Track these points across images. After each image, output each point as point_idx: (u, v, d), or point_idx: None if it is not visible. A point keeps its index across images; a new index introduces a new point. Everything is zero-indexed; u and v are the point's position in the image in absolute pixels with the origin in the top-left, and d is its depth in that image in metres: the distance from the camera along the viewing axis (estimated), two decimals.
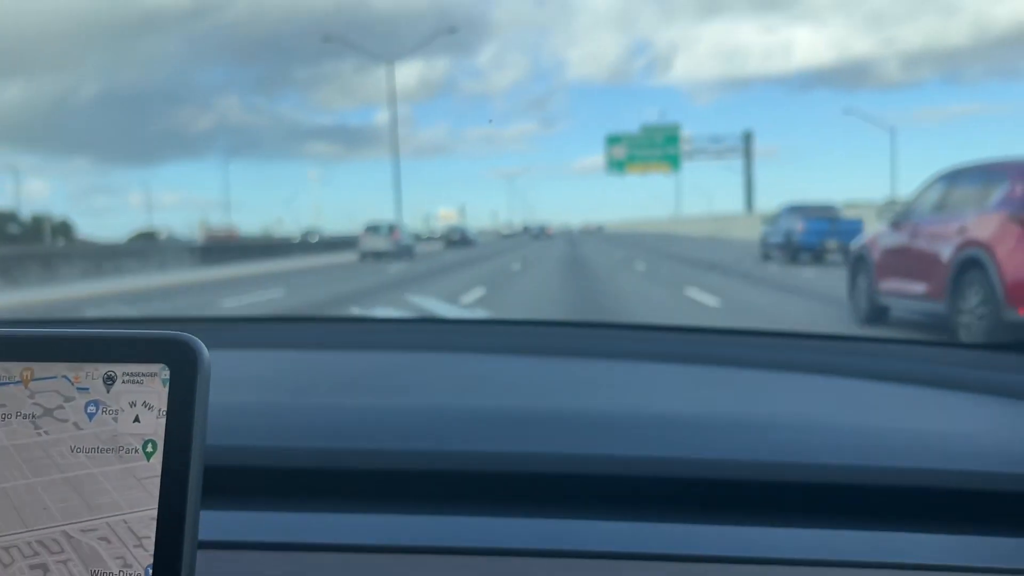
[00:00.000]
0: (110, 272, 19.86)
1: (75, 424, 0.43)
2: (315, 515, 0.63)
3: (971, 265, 5.75)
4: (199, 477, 0.41)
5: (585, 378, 0.96)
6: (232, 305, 10.91)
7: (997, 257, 5.49)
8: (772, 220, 19.71)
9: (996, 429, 0.79)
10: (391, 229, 25.42)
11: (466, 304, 9.89)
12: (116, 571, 0.41)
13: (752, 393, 0.89)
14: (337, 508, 0.64)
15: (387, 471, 0.68)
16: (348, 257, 27.01)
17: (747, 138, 53.27)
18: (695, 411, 0.81)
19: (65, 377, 0.43)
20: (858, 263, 7.78)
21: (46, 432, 0.43)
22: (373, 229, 25.61)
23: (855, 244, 8.30)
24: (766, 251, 19.21)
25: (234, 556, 0.57)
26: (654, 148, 49.70)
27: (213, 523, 0.54)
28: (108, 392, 0.43)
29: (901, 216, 7.19)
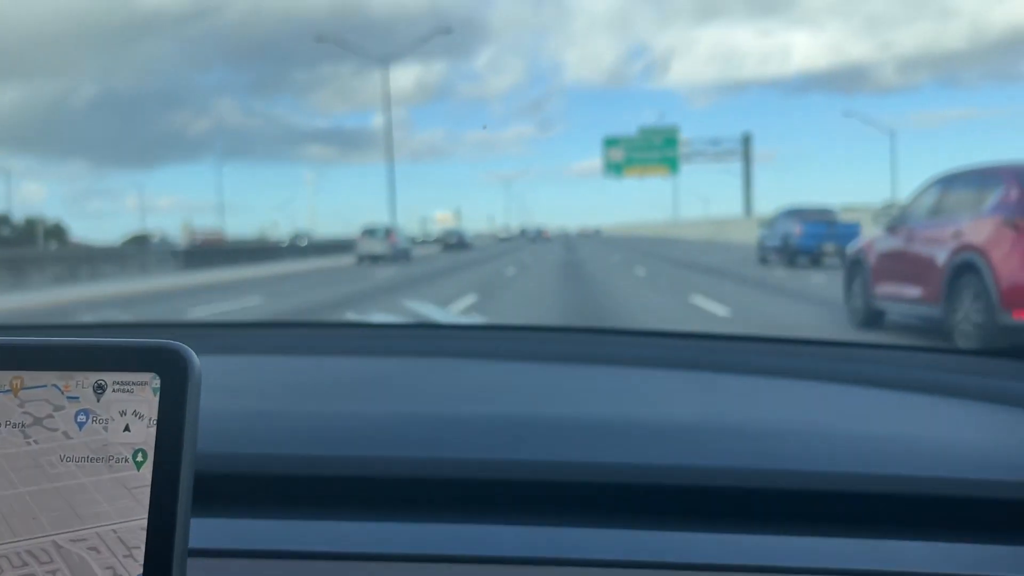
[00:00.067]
0: (84, 278, 19.12)
1: (65, 433, 0.42)
2: (306, 522, 0.62)
3: (966, 269, 5.77)
4: (189, 487, 0.41)
5: (581, 384, 0.96)
6: (203, 315, 10.40)
7: (992, 261, 5.50)
8: (769, 224, 19.73)
9: (993, 436, 0.79)
10: (388, 232, 25.40)
11: (457, 312, 9.58)
12: None
13: (748, 399, 0.89)
14: (329, 516, 0.64)
15: (379, 478, 0.68)
16: (338, 261, 26.58)
17: (746, 141, 53.06)
18: (691, 418, 0.81)
19: (55, 386, 0.43)
20: (854, 267, 7.79)
21: (36, 441, 0.42)
22: (370, 232, 25.58)
23: (851, 248, 8.32)
24: (763, 254, 19.23)
25: (224, 564, 0.56)
26: (652, 151, 49.43)
27: (203, 530, 0.54)
28: (98, 401, 0.43)
29: (897, 220, 7.21)
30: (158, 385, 0.42)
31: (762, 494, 0.66)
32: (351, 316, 9.34)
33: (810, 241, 17.03)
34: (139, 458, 0.42)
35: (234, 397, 0.83)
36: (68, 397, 0.43)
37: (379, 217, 35.38)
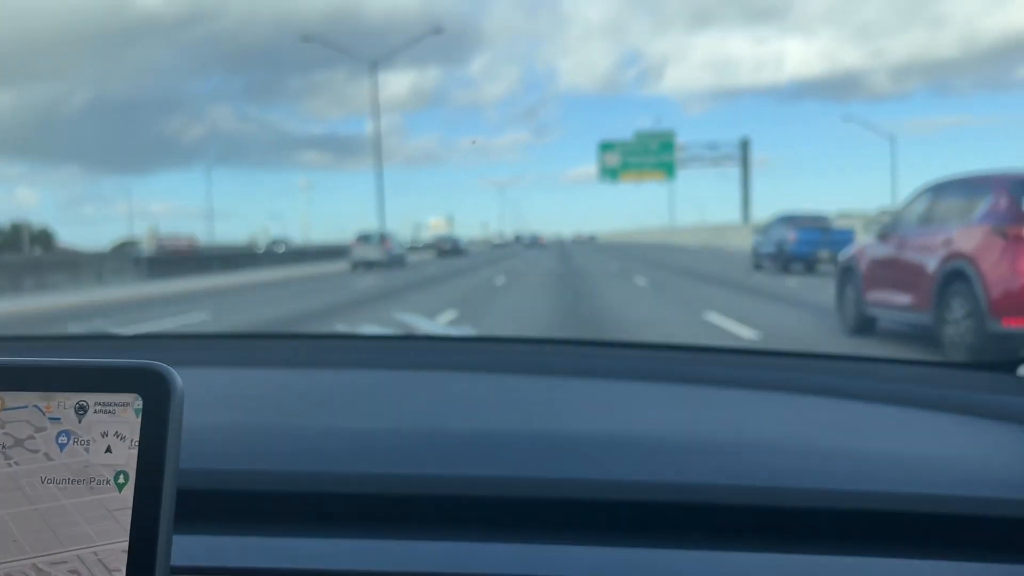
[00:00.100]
0: (31, 288, 17.20)
1: (46, 455, 0.42)
2: (290, 540, 0.62)
3: (956, 277, 5.80)
4: (171, 510, 0.41)
5: (569, 398, 0.96)
6: (139, 332, 8.32)
7: (981, 269, 5.54)
8: (764, 230, 19.75)
9: (981, 452, 0.78)
10: (382, 238, 25.38)
11: (445, 323, 8.75)
12: None
13: (737, 414, 0.89)
14: (313, 533, 0.64)
15: (364, 495, 0.68)
16: (318, 269, 25.52)
17: (744, 146, 52.60)
18: (679, 433, 0.81)
19: (36, 407, 0.43)
20: (845, 274, 7.83)
21: (16, 463, 0.42)
22: (364, 238, 25.55)
23: (843, 255, 8.36)
24: (757, 261, 19.26)
25: None
26: (648, 155, 48.82)
27: (184, 548, 0.53)
28: (80, 422, 0.42)
29: (888, 227, 7.24)
30: (140, 406, 0.42)
31: (750, 511, 0.66)
32: (340, 327, 8.65)
33: (804, 248, 17.06)
34: (120, 480, 0.41)
35: (216, 411, 0.82)
36: (50, 418, 0.43)
37: (369, 223, 34.92)
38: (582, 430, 0.80)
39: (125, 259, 23.85)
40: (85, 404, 0.42)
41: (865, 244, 7.82)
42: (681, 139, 54.06)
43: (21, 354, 0.46)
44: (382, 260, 24.56)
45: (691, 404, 0.93)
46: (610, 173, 49.43)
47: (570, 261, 27.39)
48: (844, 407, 0.90)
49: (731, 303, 10.43)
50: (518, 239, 73.69)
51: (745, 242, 23.79)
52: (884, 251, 7.09)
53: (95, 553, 0.41)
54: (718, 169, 53.34)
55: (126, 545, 0.41)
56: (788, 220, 17.93)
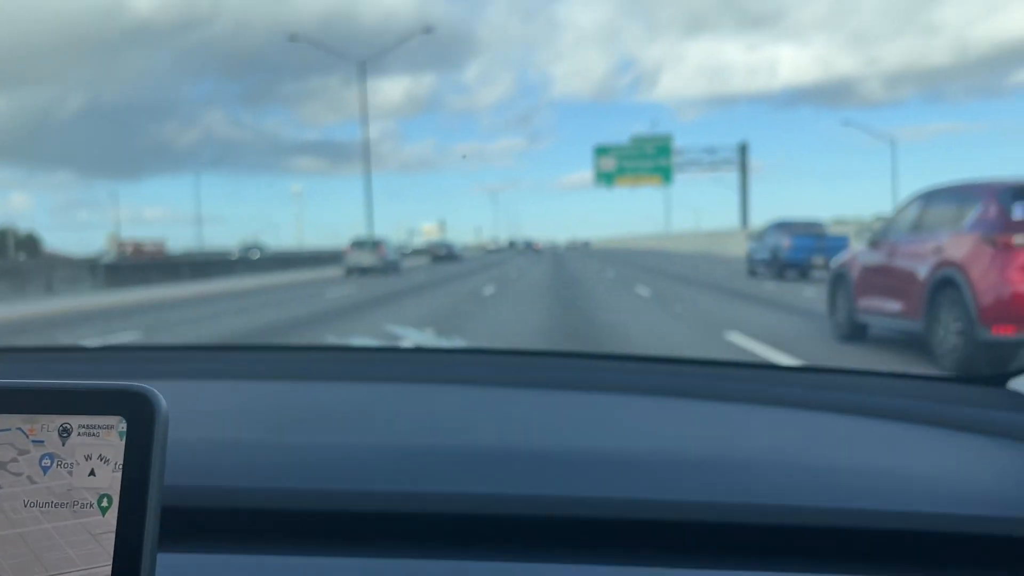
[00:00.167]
0: None
1: (29, 478, 0.42)
2: (275, 558, 0.62)
3: (946, 285, 5.83)
4: (155, 533, 0.41)
5: (562, 412, 0.95)
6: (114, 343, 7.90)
7: (971, 277, 5.57)
8: (758, 236, 19.81)
9: (971, 468, 0.78)
10: (376, 244, 25.36)
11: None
12: None
13: (730, 429, 0.88)
14: (299, 551, 0.64)
15: (350, 512, 0.67)
16: (296, 276, 24.39)
17: (742, 150, 51.81)
18: (667, 449, 0.80)
19: (20, 429, 0.42)
20: (837, 281, 7.86)
21: None
22: (359, 245, 25.53)
23: (835, 262, 8.39)
24: (752, 267, 19.31)
25: None
26: (645, 159, 48.08)
27: (168, 566, 0.53)
28: (63, 445, 0.42)
29: (879, 235, 7.28)
30: (124, 429, 0.42)
31: (740, 529, 0.66)
32: (331, 338, 8.19)
33: (799, 254, 17.12)
34: (104, 503, 0.41)
35: (199, 426, 0.82)
36: (33, 441, 0.42)
37: (359, 229, 34.42)
38: (573, 446, 0.79)
39: (80, 267, 21.66)
40: (69, 427, 0.42)
41: (857, 251, 7.85)
42: (678, 143, 53.67)
43: None
44: (376, 266, 24.55)
45: (679, 418, 0.93)
46: (606, 177, 48.94)
47: (565, 266, 27.04)
48: (834, 422, 0.90)
49: (763, 327, 8.48)
50: (512, 245, 73.82)
51: (743, 248, 23.63)
52: (875, 258, 7.13)
53: None
54: (715, 174, 53.08)
55: (109, 570, 0.40)
56: (783, 227, 18.00)
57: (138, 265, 26.03)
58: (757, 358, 6.51)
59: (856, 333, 7.41)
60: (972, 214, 5.89)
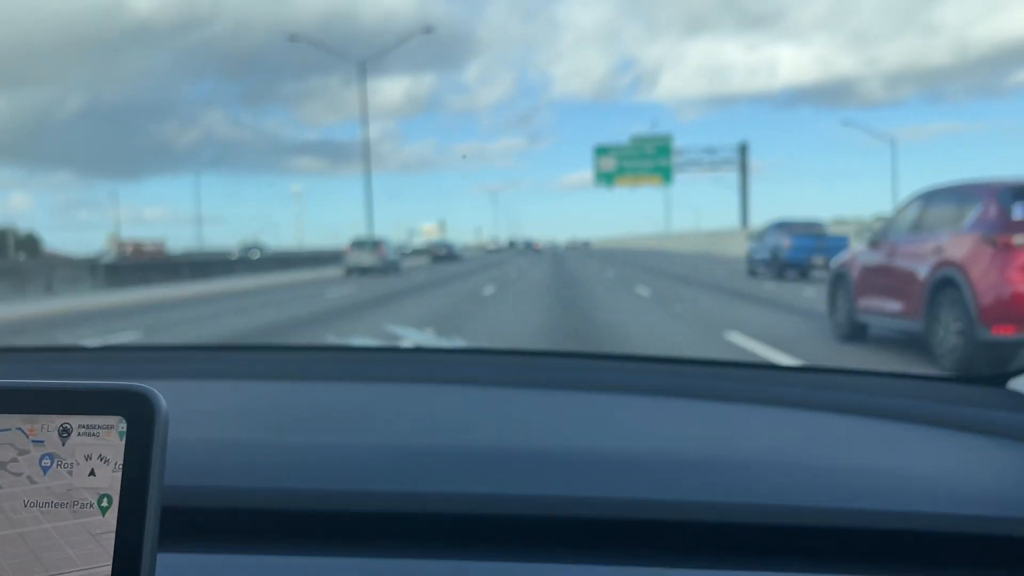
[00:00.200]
0: None
1: (29, 478, 0.42)
2: (274, 558, 0.62)
3: (946, 285, 5.84)
4: (155, 533, 0.41)
5: (562, 412, 0.95)
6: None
7: (971, 277, 5.57)
8: (758, 236, 19.81)
9: (971, 469, 0.78)
10: (376, 245, 25.37)
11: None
12: None
13: (730, 429, 0.88)
14: (299, 551, 0.64)
15: (350, 512, 0.67)
16: (297, 276, 24.28)
17: (743, 150, 51.67)
18: (670, 449, 0.80)
19: (20, 429, 0.43)
20: (837, 281, 7.86)
21: None
22: (359, 245, 25.54)
23: (835, 262, 8.39)
24: (752, 267, 19.31)
25: None
26: (645, 159, 47.95)
27: (168, 567, 0.53)
28: (63, 445, 0.42)
29: (879, 235, 7.28)
30: (124, 429, 0.42)
31: (739, 529, 0.66)
32: (331, 338, 8.16)
33: (799, 254, 17.13)
34: (104, 503, 0.41)
35: (199, 425, 0.82)
36: (33, 441, 0.42)
37: (359, 229, 34.25)
38: (573, 446, 0.80)
39: (80, 267, 21.68)
40: (69, 427, 0.42)
41: (857, 251, 7.85)
42: (678, 143, 53.52)
43: None
44: (376, 266, 24.56)
45: (679, 418, 0.93)
46: (606, 177, 48.84)
47: (565, 267, 26.96)
48: (834, 422, 0.90)
49: (763, 327, 8.47)
50: (512, 245, 73.89)
51: (743, 248, 23.60)
52: (875, 258, 7.13)
53: None
54: (715, 174, 52.99)
55: (109, 570, 0.40)
56: (783, 227, 18.01)
57: (138, 265, 26.03)
58: (757, 358, 6.52)
59: (856, 333, 7.41)
60: (972, 214, 5.90)
